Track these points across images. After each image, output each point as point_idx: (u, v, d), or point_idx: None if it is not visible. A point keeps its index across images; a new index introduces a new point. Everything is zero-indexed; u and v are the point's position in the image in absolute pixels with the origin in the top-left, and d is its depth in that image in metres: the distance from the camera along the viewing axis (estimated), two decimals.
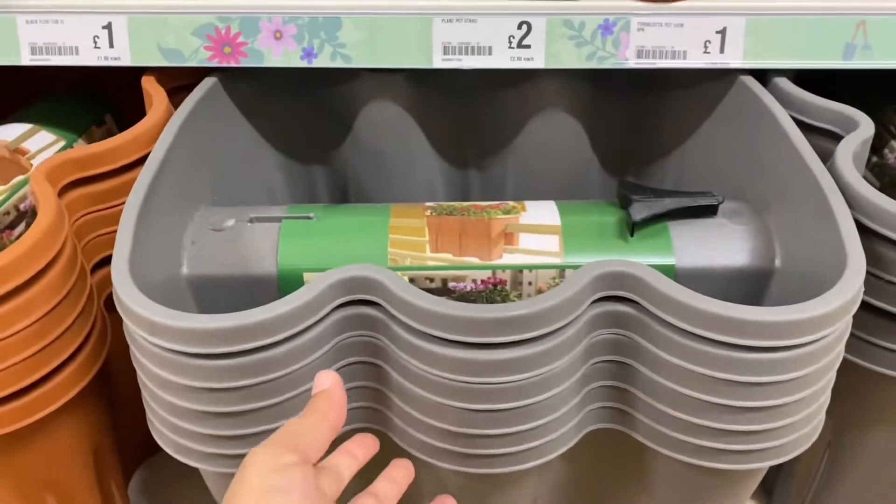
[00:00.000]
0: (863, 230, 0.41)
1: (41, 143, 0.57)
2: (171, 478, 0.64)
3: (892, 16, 0.50)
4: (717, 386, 0.36)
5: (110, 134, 0.63)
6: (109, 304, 0.52)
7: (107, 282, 0.53)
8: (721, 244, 0.46)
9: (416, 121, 0.57)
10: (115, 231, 0.49)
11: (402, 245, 0.46)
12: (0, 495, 0.49)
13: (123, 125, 0.64)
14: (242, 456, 0.37)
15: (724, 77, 0.52)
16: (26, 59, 0.52)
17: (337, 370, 0.38)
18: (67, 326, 0.44)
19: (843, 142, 0.47)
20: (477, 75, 0.52)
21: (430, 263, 0.46)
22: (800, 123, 0.48)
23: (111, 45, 0.51)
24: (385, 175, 0.59)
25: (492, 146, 0.60)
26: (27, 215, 0.54)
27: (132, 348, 0.38)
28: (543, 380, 0.36)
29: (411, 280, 0.46)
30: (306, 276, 0.46)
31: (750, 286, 0.46)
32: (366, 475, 0.35)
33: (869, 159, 0.53)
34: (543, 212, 0.48)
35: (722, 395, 0.36)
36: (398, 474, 0.35)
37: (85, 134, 0.60)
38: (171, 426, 0.38)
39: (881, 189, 0.46)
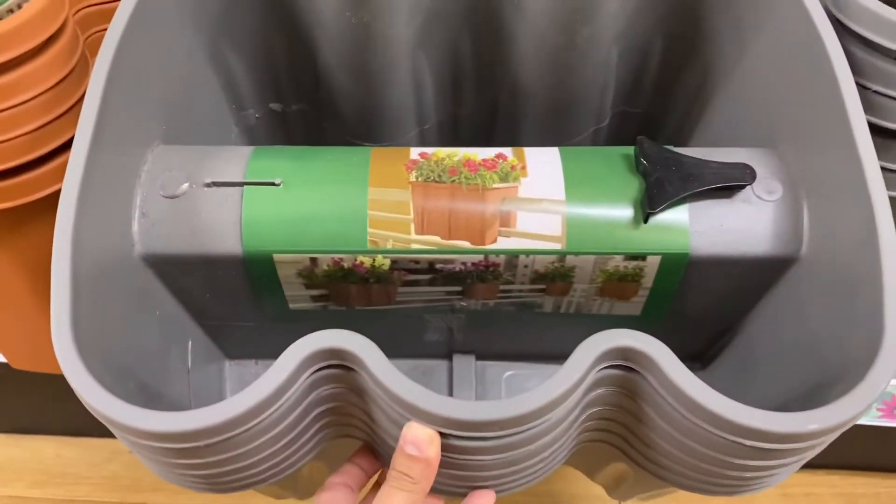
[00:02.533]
0: None
1: None
2: None
3: None
4: (715, 458, 0.34)
5: None
6: None
7: None
8: (745, 229, 0.41)
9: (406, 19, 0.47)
10: None
11: (384, 224, 0.41)
12: (10, 278, 0.52)
13: None
14: (225, 484, 0.37)
15: None
16: None
17: (311, 419, 0.36)
18: (71, 106, 0.45)
19: None
20: None
21: (416, 247, 0.41)
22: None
23: None
24: (363, 70, 0.50)
25: (490, 25, 0.50)
26: None
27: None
28: (535, 448, 0.34)
29: (394, 261, 0.41)
30: (277, 257, 0.41)
31: (768, 271, 0.42)
32: None
33: None
34: (546, 178, 0.42)
35: (718, 465, 0.34)
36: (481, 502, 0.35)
37: None
38: (142, 459, 0.37)
39: None
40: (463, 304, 0.45)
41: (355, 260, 0.41)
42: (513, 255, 0.41)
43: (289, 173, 0.42)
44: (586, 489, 0.84)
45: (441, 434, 0.32)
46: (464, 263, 0.42)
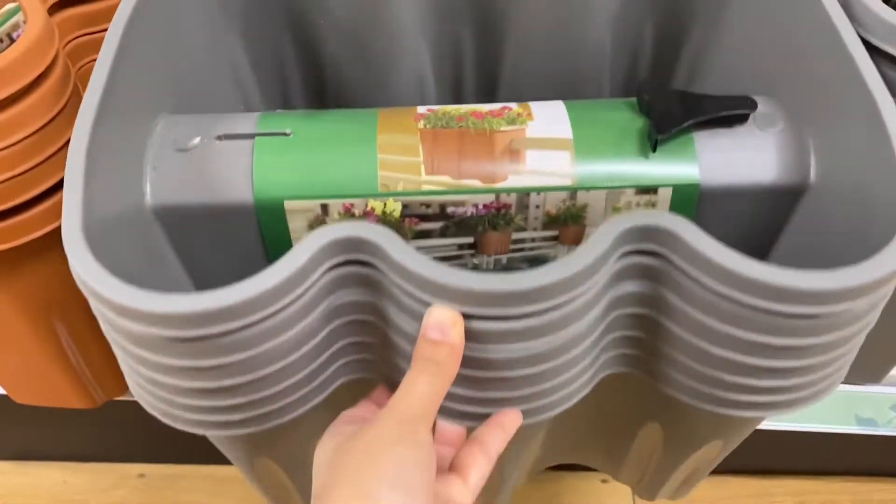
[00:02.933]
0: None
1: None
2: None
3: None
4: (745, 345, 0.33)
5: None
6: None
7: None
8: (751, 157, 0.41)
9: None
10: None
11: (394, 167, 0.41)
12: (10, 318, 0.50)
13: None
14: (228, 424, 0.35)
15: None
16: None
17: (328, 333, 0.35)
18: (64, 143, 0.43)
19: None
20: None
21: (426, 188, 0.41)
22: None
23: None
24: (366, 61, 0.52)
25: (489, 15, 0.53)
26: None
27: (100, 321, 0.34)
28: (562, 343, 0.33)
29: (405, 206, 0.41)
30: (288, 204, 0.41)
31: (780, 203, 0.42)
32: None
33: None
34: (552, 121, 0.42)
35: (749, 354, 0.33)
36: (507, 420, 0.33)
37: None
38: (152, 395, 0.35)
39: None
40: (475, 261, 0.45)
41: (366, 206, 0.41)
42: (523, 194, 0.41)
43: (298, 126, 0.42)
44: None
45: (464, 317, 0.31)
46: (475, 206, 0.41)
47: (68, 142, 0.40)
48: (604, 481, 0.94)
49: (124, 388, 0.57)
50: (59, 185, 0.43)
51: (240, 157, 0.41)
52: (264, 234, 0.42)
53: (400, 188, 0.41)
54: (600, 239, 0.31)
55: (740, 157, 0.41)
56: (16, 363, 0.56)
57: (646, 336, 0.36)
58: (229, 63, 0.51)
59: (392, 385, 0.38)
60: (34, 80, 0.40)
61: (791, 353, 0.33)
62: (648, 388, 0.39)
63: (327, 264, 0.32)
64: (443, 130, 0.42)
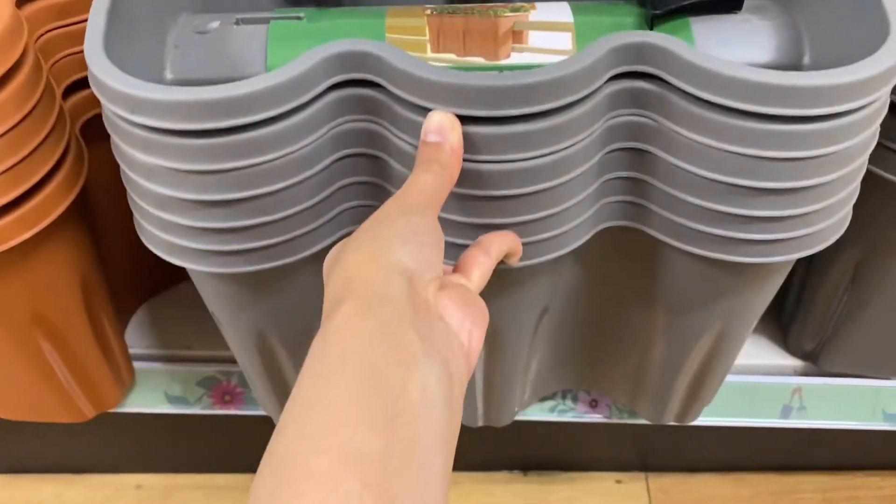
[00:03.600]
0: None
1: None
2: (168, 320, 0.63)
3: None
4: (742, 164, 0.33)
5: None
6: (87, 133, 0.50)
7: (82, 107, 0.50)
8: (746, 40, 0.43)
9: None
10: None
11: (401, 45, 0.43)
12: None
13: None
14: (235, 253, 0.35)
15: None
16: None
17: (333, 162, 0.36)
18: (38, 144, 0.41)
19: None
20: None
21: (432, 64, 0.42)
22: None
23: None
24: None
25: None
26: None
27: (114, 139, 0.35)
28: (557, 160, 0.33)
29: None
30: None
31: None
32: None
33: None
34: (554, 10, 0.44)
35: (746, 175, 0.33)
36: (508, 236, 0.33)
37: None
38: (158, 223, 0.36)
39: None
40: None
41: None
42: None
43: (311, 14, 0.45)
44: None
45: (462, 121, 0.32)
46: None
47: (44, 140, 0.40)
48: (618, 482, 0.91)
49: (115, 399, 0.58)
50: (38, 186, 0.41)
51: (255, 37, 0.43)
52: None
53: None
54: (595, 48, 0.32)
55: (736, 39, 0.43)
56: (1, 379, 0.54)
57: (642, 175, 0.37)
58: None
59: None
60: (2, 77, 0.38)
61: (788, 173, 0.33)
62: (646, 255, 0.39)
63: (331, 80, 0.34)
64: (448, 16, 0.44)
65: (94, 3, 0.37)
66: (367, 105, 0.35)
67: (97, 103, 0.47)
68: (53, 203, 0.42)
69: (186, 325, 0.62)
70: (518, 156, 0.33)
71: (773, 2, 0.44)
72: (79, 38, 0.44)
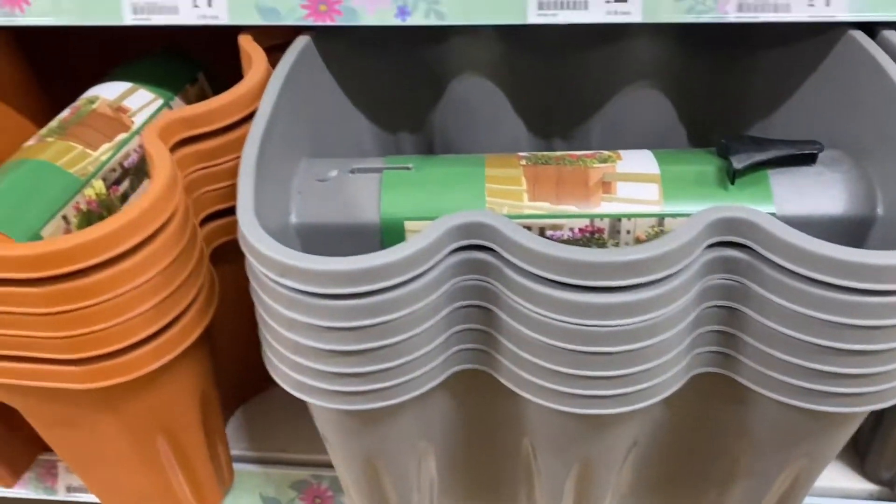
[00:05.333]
0: None
1: (140, 102, 0.59)
2: (262, 422, 0.67)
3: None
4: (829, 329, 0.36)
5: (203, 92, 0.65)
6: (213, 256, 0.55)
7: (212, 236, 0.55)
8: (821, 192, 0.46)
9: (506, 78, 0.58)
10: (221, 187, 0.51)
11: (500, 194, 0.47)
12: (116, 435, 0.52)
13: (213, 83, 0.66)
14: (356, 393, 0.39)
15: (827, 31, 0.51)
16: (128, 19, 0.54)
17: (449, 313, 0.40)
18: (183, 280, 0.45)
19: None
20: (567, 32, 0.52)
21: (528, 212, 0.47)
22: None
23: (209, 5, 0.53)
24: (472, 132, 0.60)
25: (578, 105, 0.60)
26: (130, 172, 0.57)
27: (256, 290, 0.40)
28: (656, 324, 0.37)
29: None
30: (407, 224, 0.48)
31: (851, 235, 0.46)
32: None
33: None
34: (640, 160, 0.48)
35: (832, 339, 0.36)
36: None
37: (181, 93, 0.62)
38: (291, 364, 0.40)
39: None
40: None
41: None
42: (615, 220, 0.47)
43: (418, 163, 0.49)
44: None
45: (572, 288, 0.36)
46: (571, 230, 0.47)
47: (187, 277, 0.44)
48: None
49: (216, 499, 0.61)
50: (174, 322, 0.45)
51: (369, 185, 0.48)
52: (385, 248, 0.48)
53: (505, 212, 0.47)
54: (692, 224, 0.36)
55: (811, 191, 0.46)
56: (119, 482, 0.58)
57: (731, 330, 0.40)
58: (353, 124, 0.60)
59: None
60: (160, 227, 0.42)
61: (870, 337, 0.36)
62: (733, 398, 0.42)
63: (452, 246, 0.38)
64: (542, 166, 0.48)
65: (241, 168, 0.42)
66: (483, 267, 0.39)
67: (228, 231, 0.53)
68: (188, 332, 0.47)
69: (280, 428, 0.66)
70: (621, 322, 0.36)
71: (845, 154, 0.48)
72: (215, 177, 0.51)
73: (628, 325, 0.37)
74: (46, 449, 0.66)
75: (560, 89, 0.60)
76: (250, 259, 0.39)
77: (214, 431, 0.59)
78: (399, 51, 0.58)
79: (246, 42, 0.54)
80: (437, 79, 0.59)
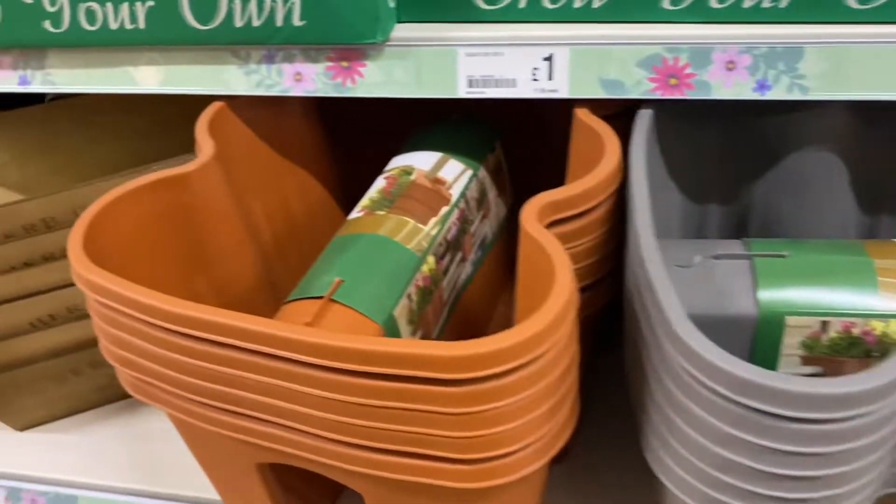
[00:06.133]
0: None
1: (453, 173, 0.58)
2: None
3: None
4: None
5: (499, 161, 0.64)
6: None
7: None
8: None
9: (848, 151, 0.54)
10: (576, 269, 0.49)
11: (895, 289, 0.43)
12: None
13: (507, 151, 0.65)
14: None
15: None
16: (462, 92, 0.53)
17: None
18: (571, 377, 0.41)
19: None
20: None
21: None
22: None
23: (550, 78, 0.51)
24: (801, 208, 0.56)
25: None
26: (452, 246, 0.56)
27: (673, 391, 0.37)
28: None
29: None
30: (788, 319, 0.44)
31: None
32: None
33: None
34: None
35: None
36: None
37: (483, 162, 0.61)
38: (702, 477, 0.37)
39: None
40: None
41: (866, 326, 0.43)
42: None
43: (790, 250, 0.46)
44: None
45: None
46: None
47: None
48: None
49: None
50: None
51: (739, 274, 0.45)
52: (757, 345, 0.45)
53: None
54: None
55: None
56: None
57: None
58: (664, 206, 0.57)
59: None
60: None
61: None
62: None
63: None
64: None
65: (648, 262, 0.40)
66: None
67: None
68: (566, 429, 0.42)
69: None
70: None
71: None
72: (575, 258, 0.46)
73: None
74: None
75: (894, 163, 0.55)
76: (686, 366, 0.36)
77: None
78: (726, 120, 0.55)
79: (584, 115, 0.52)
80: (769, 150, 0.55)
